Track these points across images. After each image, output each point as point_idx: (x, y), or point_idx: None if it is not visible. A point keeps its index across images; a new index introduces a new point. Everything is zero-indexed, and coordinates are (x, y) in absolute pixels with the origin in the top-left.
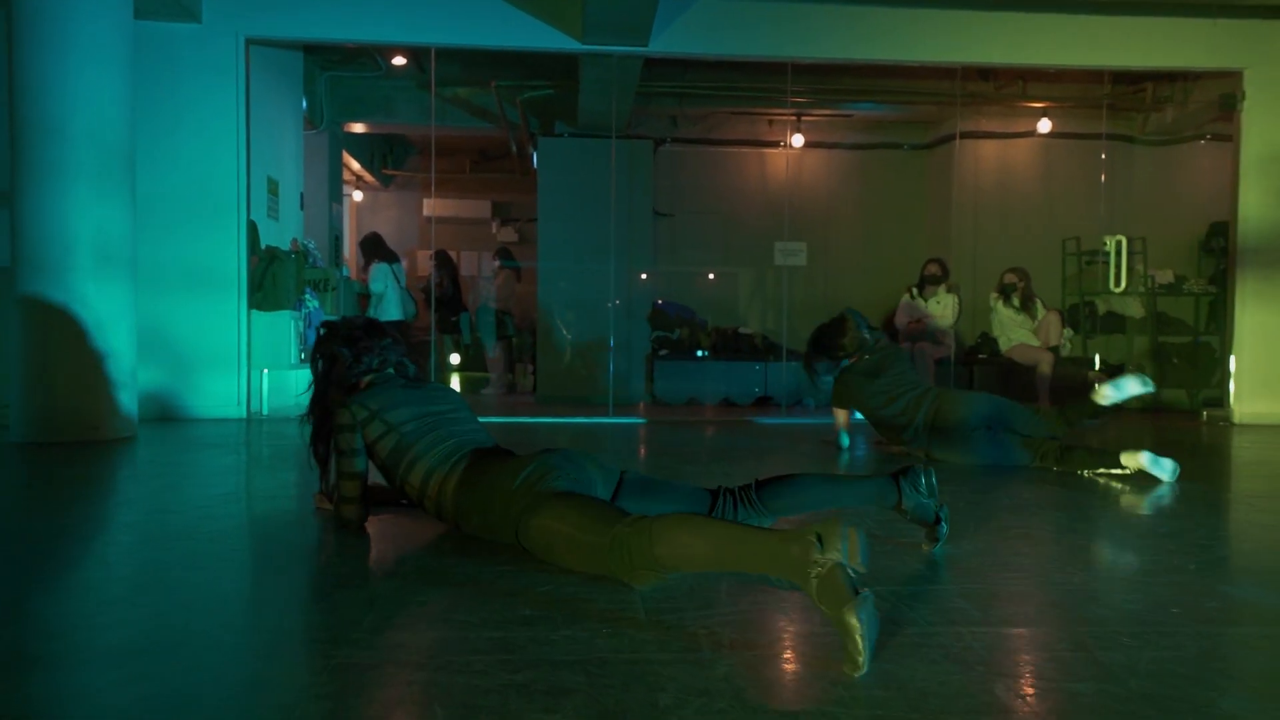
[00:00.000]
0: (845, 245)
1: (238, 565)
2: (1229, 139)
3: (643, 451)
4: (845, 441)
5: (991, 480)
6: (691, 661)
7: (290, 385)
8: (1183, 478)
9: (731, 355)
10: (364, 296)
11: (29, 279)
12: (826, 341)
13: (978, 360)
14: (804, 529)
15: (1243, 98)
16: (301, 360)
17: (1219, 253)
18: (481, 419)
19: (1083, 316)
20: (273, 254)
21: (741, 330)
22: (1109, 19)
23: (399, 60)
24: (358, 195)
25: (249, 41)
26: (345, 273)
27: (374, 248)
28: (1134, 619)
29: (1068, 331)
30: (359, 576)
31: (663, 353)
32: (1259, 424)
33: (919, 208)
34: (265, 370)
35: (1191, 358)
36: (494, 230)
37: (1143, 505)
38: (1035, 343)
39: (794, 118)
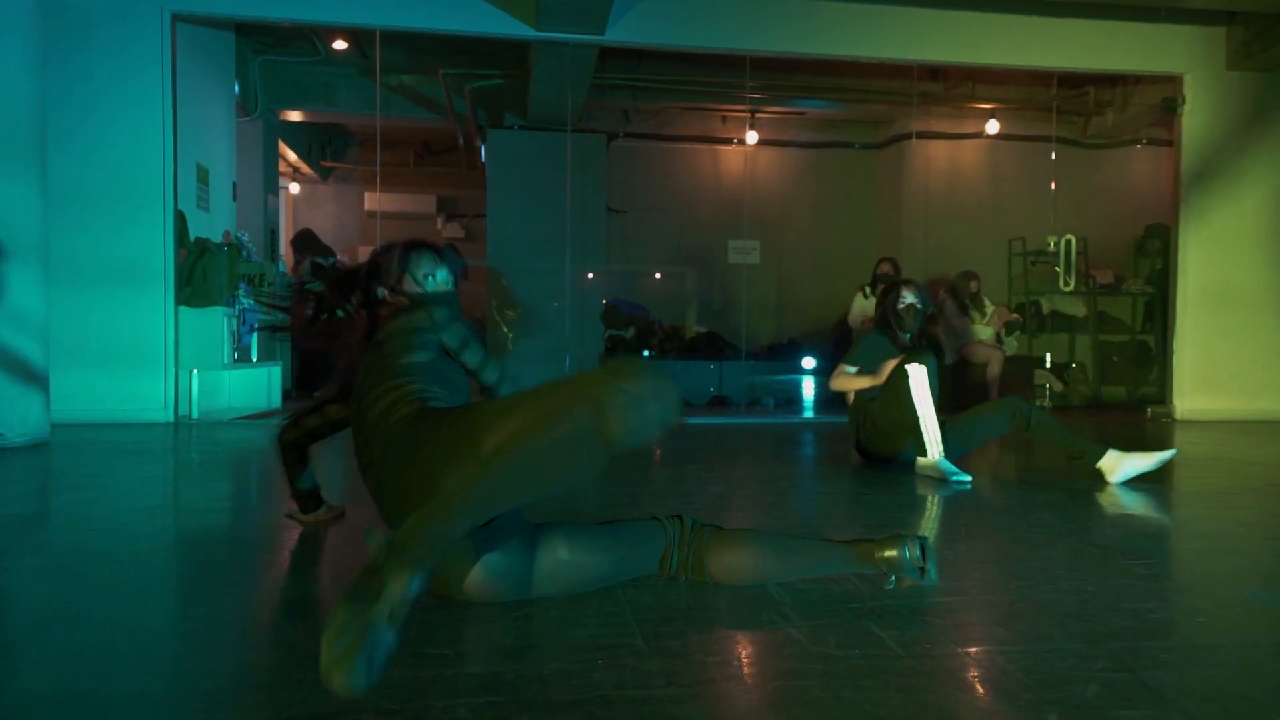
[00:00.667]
0: (798, 244)
1: (166, 593)
2: (1166, 144)
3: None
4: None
5: (964, 490)
6: (706, 697)
7: (223, 386)
8: (1147, 476)
9: (685, 354)
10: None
11: None
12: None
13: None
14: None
15: (1183, 102)
16: (235, 360)
17: (1155, 254)
18: None
19: (1029, 315)
20: (203, 246)
21: (697, 329)
22: (1058, 21)
23: (340, 44)
24: (295, 188)
25: (175, 17)
26: (282, 268)
27: (306, 244)
28: (1162, 630)
29: (1015, 333)
30: (310, 604)
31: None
32: (1200, 420)
33: (870, 207)
34: (195, 371)
35: (1131, 356)
36: (439, 226)
37: (1120, 504)
38: (987, 336)
39: (748, 114)
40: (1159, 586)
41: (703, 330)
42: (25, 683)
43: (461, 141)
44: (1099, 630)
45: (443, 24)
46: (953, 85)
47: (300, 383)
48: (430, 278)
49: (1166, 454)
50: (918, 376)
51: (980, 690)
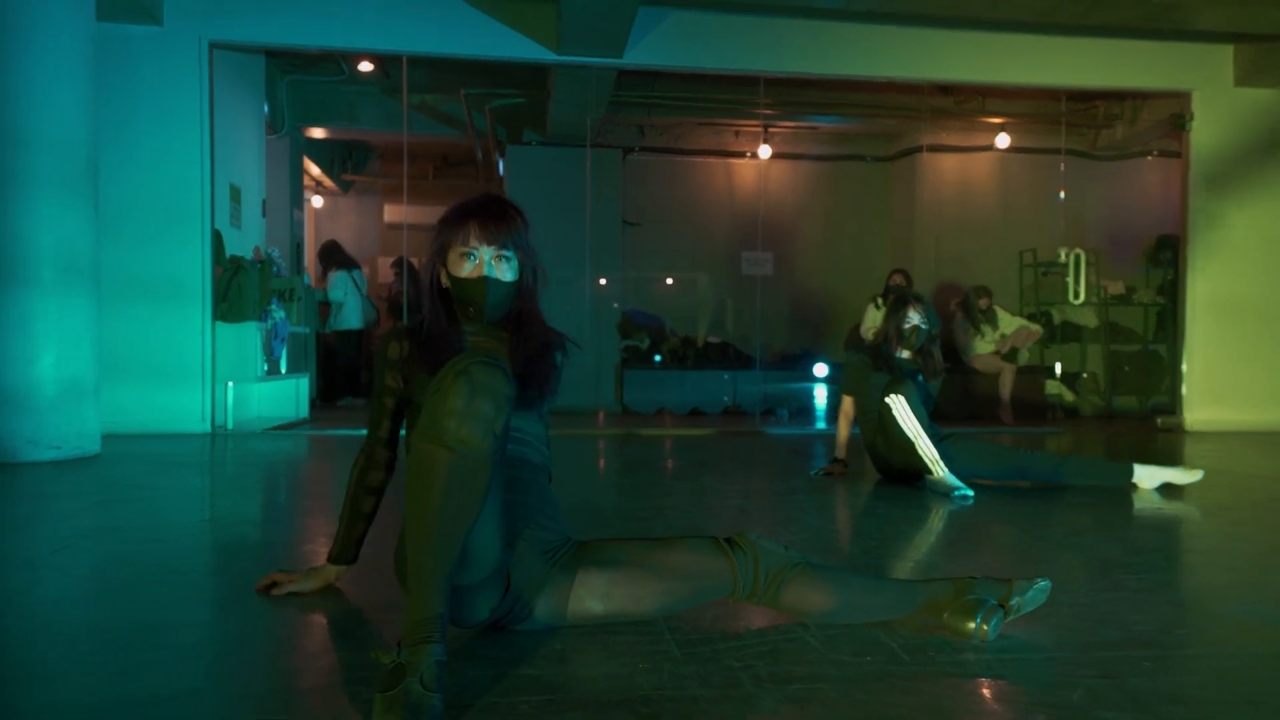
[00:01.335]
0: (811, 255)
1: (244, 601)
2: (1176, 155)
3: (670, 464)
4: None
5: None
6: (736, 698)
7: (255, 398)
8: (1161, 489)
9: (700, 364)
10: (324, 305)
11: None
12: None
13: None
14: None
15: (1191, 118)
16: (267, 373)
17: (1166, 264)
18: None
19: (1040, 326)
20: (238, 264)
21: (710, 339)
22: (1067, 39)
23: (365, 66)
24: (317, 201)
25: (213, 45)
26: (307, 281)
27: (331, 255)
28: (1147, 641)
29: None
30: (389, 610)
31: (631, 361)
32: (1209, 430)
33: (882, 219)
34: (230, 383)
35: (1142, 366)
36: None
37: (1124, 518)
38: (986, 351)
39: (761, 129)
40: (1150, 600)
41: (715, 341)
42: (129, 684)
43: (480, 156)
44: (1089, 640)
45: (468, 49)
46: (963, 100)
47: (325, 394)
48: None
49: (1195, 475)
50: (899, 407)
51: (977, 693)
